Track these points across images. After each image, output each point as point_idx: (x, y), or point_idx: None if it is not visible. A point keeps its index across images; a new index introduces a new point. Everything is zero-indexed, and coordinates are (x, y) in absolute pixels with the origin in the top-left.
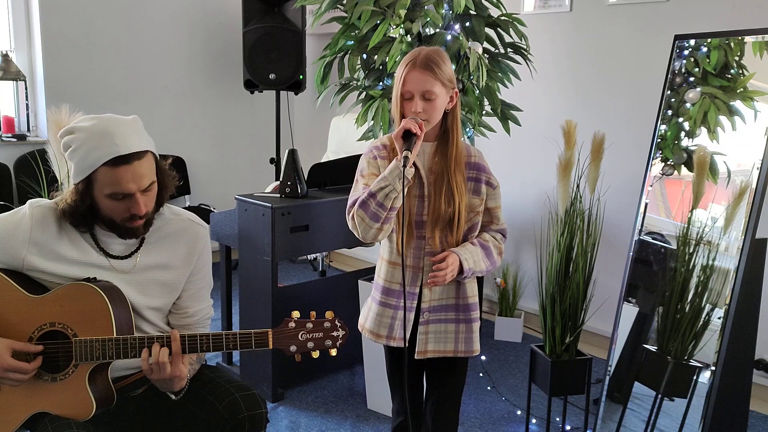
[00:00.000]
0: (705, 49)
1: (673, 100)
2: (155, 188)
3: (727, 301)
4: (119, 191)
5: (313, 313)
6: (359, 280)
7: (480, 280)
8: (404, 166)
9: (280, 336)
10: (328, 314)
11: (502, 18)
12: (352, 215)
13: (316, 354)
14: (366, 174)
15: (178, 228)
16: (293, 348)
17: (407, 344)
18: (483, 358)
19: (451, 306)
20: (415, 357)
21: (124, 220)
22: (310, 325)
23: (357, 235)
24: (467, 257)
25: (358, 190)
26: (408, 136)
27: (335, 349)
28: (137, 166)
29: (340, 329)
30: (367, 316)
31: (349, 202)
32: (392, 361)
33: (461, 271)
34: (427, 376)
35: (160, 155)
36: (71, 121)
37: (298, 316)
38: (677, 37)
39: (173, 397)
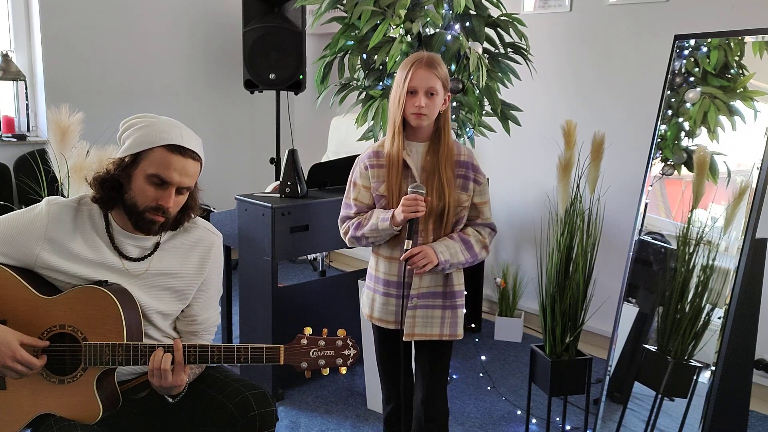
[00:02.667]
0: (705, 49)
1: (673, 100)
2: (186, 198)
3: (727, 301)
4: (162, 175)
5: (325, 330)
6: (359, 280)
7: (479, 280)
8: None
9: (291, 353)
10: (341, 332)
11: (502, 18)
12: (347, 237)
13: (326, 371)
14: (358, 185)
15: (193, 236)
16: (304, 365)
17: (399, 327)
18: (483, 358)
19: (439, 293)
20: (403, 339)
21: (147, 209)
22: (322, 343)
23: (347, 245)
24: (442, 250)
25: (350, 203)
26: (412, 222)
27: (345, 368)
28: (189, 163)
29: (352, 348)
30: (372, 307)
31: (342, 213)
32: (383, 344)
33: (438, 263)
34: (416, 362)
35: None
36: (72, 121)
37: (311, 332)
38: (677, 37)
39: (170, 400)
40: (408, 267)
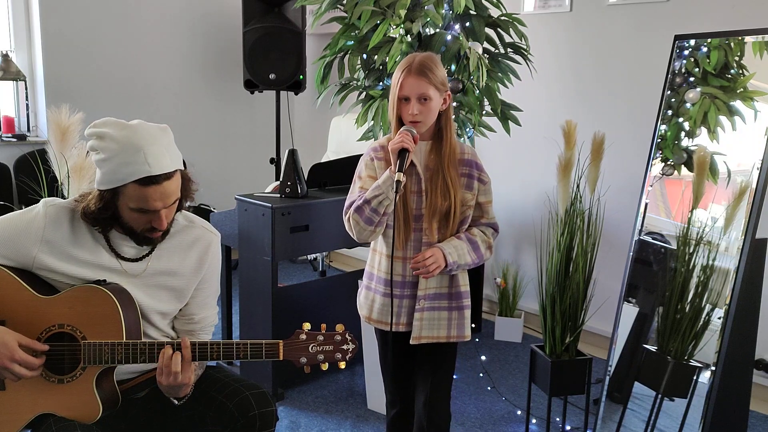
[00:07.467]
0: (705, 49)
1: (673, 100)
2: (176, 204)
3: (727, 301)
4: (145, 207)
5: (323, 326)
6: (359, 280)
7: (480, 280)
8: (396, 192)
9: (290, 348)
10: (339, 327)
11: (502, 18)
12: (348, 218)
13: (325, 366)
14: (363, 176)
15: (191, 235)
16: (303, 360)
17: (403, 330)
18: (483, 358)
19: (444, 294)
20: (410, 342)
21: (144, 231)
22: (320, 338)
23: (352, 236)
24: (450, 251)
25: (354, 193)
26: (402, 152)
27: (344, 362)
28: (166, 185)
29: (350, 343)
30: (371, 308)
31: (346, 203)
32: (386, 346)
33: (446, 264)
34: (417, 365)
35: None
36: (72, 121)
37: (309, 327)
38: (677, 37)
39: (176, 402)
40: (415, 272)
